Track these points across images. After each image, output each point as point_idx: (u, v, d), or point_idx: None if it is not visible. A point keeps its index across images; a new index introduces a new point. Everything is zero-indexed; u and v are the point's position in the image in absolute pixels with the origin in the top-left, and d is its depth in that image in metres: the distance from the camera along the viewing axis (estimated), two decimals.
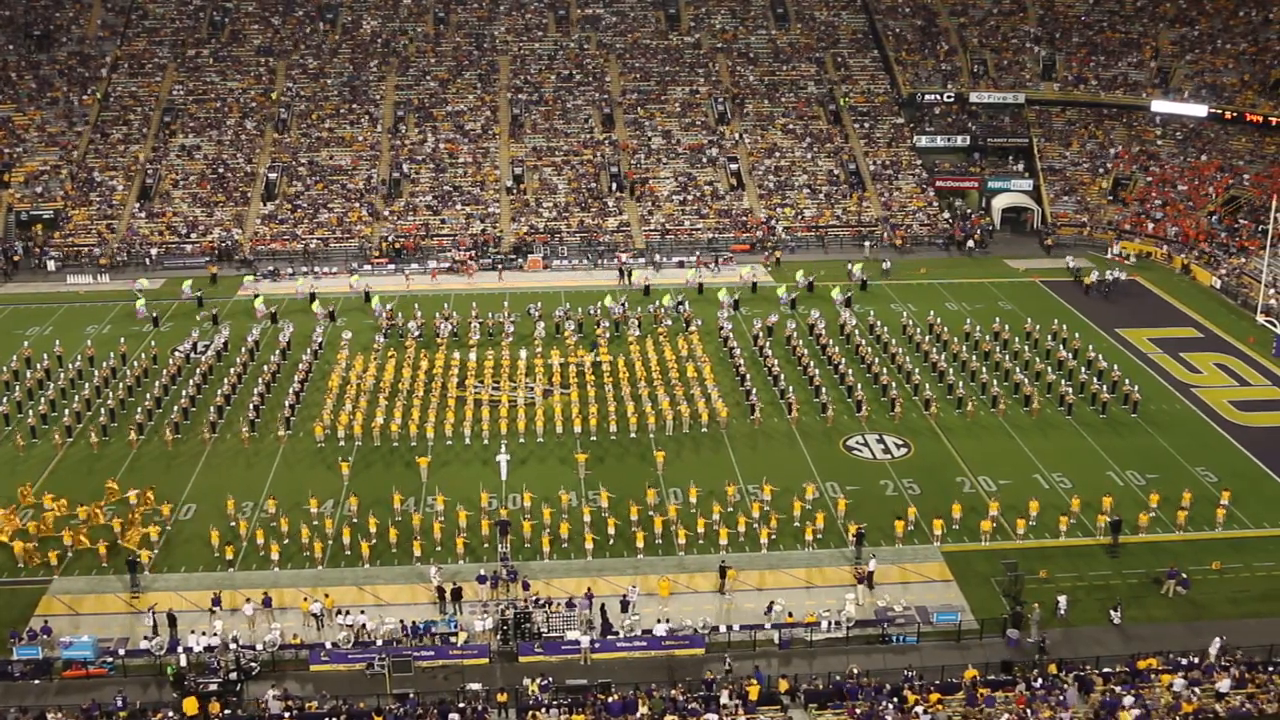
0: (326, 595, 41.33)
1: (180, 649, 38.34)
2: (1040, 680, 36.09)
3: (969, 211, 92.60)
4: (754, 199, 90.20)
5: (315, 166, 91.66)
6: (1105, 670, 36.84)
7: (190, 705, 35.31)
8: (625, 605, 40.89)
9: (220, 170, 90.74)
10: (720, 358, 63.27)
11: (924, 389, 57.77)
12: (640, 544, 44.70)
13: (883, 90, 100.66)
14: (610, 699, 35.37)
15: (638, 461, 51.79)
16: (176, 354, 62.75)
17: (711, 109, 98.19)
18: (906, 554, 44.43)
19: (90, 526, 45.72)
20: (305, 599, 40.84)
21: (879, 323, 66.97)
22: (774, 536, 45.16)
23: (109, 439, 54.19)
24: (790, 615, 40.21)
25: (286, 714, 35.12)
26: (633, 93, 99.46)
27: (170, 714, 35.19)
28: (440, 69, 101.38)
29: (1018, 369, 60.33)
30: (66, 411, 56.00)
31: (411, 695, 35.93)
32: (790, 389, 57.92)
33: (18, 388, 59.26)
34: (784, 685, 36.46)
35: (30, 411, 56.49)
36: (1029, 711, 34.24)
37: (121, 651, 39.02)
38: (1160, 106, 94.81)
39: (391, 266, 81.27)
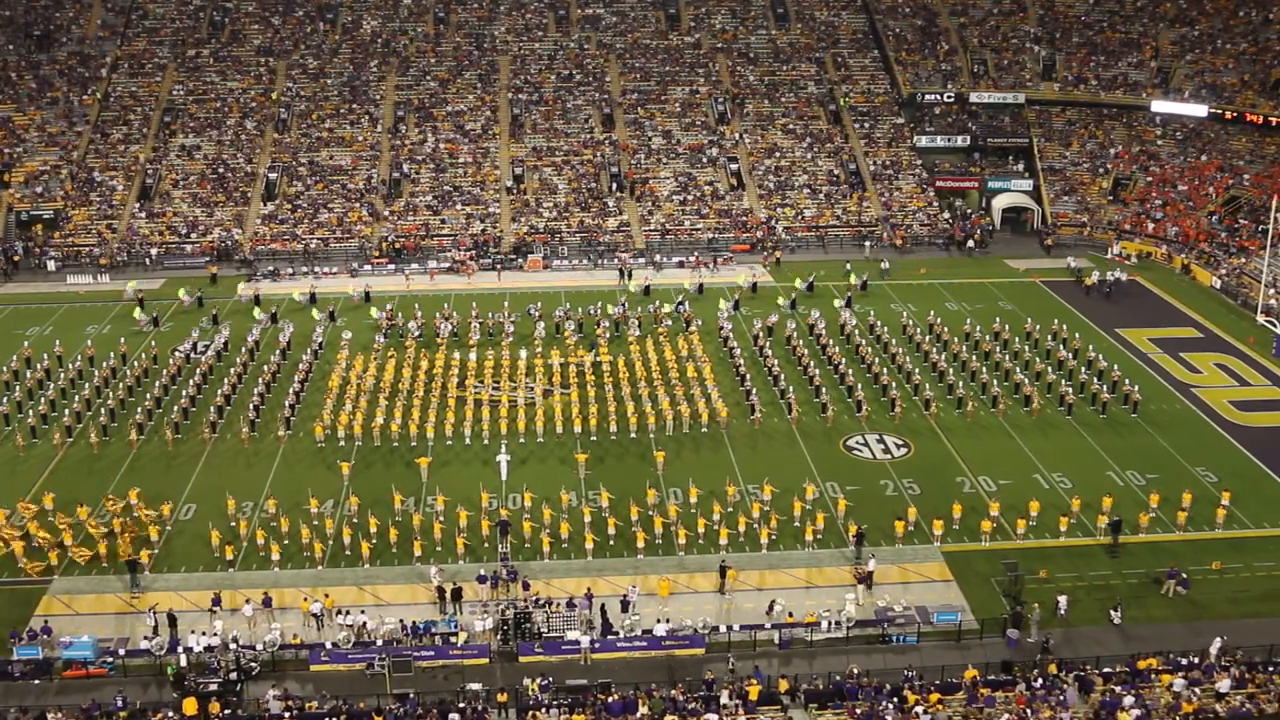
0: (327, 595, 41.34)
1: (180, 649, 38.34)
2: (1040, 680, 36.09)
3: (969, 211, 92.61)
4: (754, 199, 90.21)
5: (315, 166, 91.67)
6: (1105, 670, 36.85)
7: (190, 705, 35.32)
8: (625, 605, 40.90)
9: (220, 170, 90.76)
10: (720, 358, 63.27)
11: (924, 389, 57.77)
12: (640, 544, 44.70)
13: (883, 90, 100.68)
14: (610, 699, 35.38)
15: (638, 461, 51.79)
16: (176, 354, 62.76)
17: (711, 109, 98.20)
18: (906, 554, 44.44)
19: (89, 533, 45.69)
20: (305, 599, 40.84)
21: (879, 323, 66.97)
22: (774, 536, 45.17)
23: (109, 439, 54.20)
24: (790, 615, 40.21)
25: (286, 714, 35.12)
26: (633, 93, 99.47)
27: (170, 714, 35.19)
28: (440, 69, 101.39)
29: (1018, 369, 60.33)
30: (67, 411, 56.01)
31: (412, 695, 35.94)
32: (790, 389, 57.92)
33: (18, 388, 59.26)
34: (784, 685, 36.47)
35: (30, 411, 56.49)
36: (1029, 711, 34.25)
37: (121, 651, 39.02)
38: (1160, 106, 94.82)
39: (391, 266, 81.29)
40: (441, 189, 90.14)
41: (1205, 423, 56.09)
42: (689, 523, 45.72)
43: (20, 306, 73.98)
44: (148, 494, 48.29)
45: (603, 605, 40.56)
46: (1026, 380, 58.56)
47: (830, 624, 39.80)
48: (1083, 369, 60.84)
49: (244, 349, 63.41)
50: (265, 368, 61.01)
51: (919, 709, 34.40)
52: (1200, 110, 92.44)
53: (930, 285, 76.75)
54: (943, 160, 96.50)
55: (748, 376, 59.17)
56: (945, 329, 65.80)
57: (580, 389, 58.77)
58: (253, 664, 38.08)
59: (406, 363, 61.86)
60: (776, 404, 57.57)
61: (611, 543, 45.14)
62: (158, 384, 58.87)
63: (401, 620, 40.06)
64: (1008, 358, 62.17)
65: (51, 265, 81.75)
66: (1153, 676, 36.17)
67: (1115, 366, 60.64)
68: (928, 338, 64.94)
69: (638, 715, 34.88)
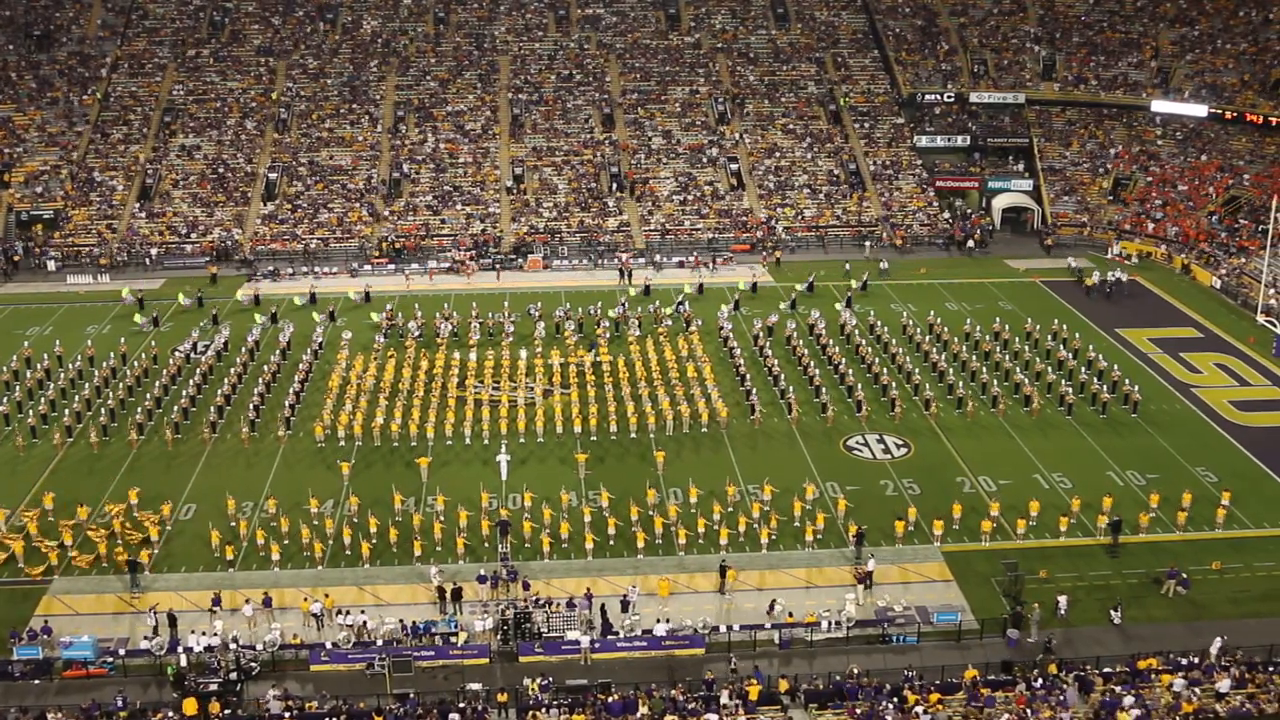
0: (327, 595, 41.34)
1: (180, 649, 38.34)
2: (1040, 680, 36.09)
3: (969, 211, 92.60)
4: (754, 199, 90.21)
5: (315, 166, 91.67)
6: (1105, 670, 36.85)
7: (190, 706, 35.32)
8: (625, 605, 40.90)
9: (220, 170, 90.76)
10: (720, 358, 63.27)
11: (924, 389, 57.77)
12: (640, 544, 44.70)
13: (883, 90, 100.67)
14: (610, 699, 35.37)
15: (638, 461, 51.79)
16: (176, 354, 62.76)
17: (712, 109, 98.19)
18: (907, 554, 44.44)
19: (88, 538, 45.70)
20: (305, 599, 40.84)
21: (879, 323, 66.97)
22: (774, 536, 45.17)
23: (109, 439, 54.20)
24: (790, 615, 40.21)
25: (287, 714, 35.12)
26: (633, 93, 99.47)
27: (170, 714, 35.19)
28: (440, 69, 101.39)
29: (1018, 369, 60.33)
30: (67, 411, 56.00)
31: (412, 695, 35.94)
32: (790, 389, 57.92)
33: (18, 388, 59.26)
34: (784, 685, 36.47)
35: (30, 411, 56.48)
36: (1029, 711, 34.25)
37: (121, 651, 39.02)
38: (1160, 106, 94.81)
39: (391, 266, 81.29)
40: (441, 189, 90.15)
41: (1205, 423, 56.09)
42: (689, 523, 45.72)
43: (20, 306, 73.98)
44: (148, 494, 48.30)
45: (603, 605, 40.56)
46: (1026, 380, 58.55)
47: (830, 624, 39.80)
48: (1083, 369, 60.84)
49: (244, 349, 63.41)
50: (265, 368, 61.01)
51: (919, 709, 34.40)
52: (1200, 110, 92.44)
53: (930, 285, 76.75)
54: (943, 160, 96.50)
55: (748, 376, 59.17)
56: (945, 329, 65.79)
57: (580, 389, 58.76)
58: (253, 664, 38.08)
59: (406, 363, 61.86)
60: (776, 404, 57.57)
61: (611, 543, 45.14)
62: (158, 384, 58.86)
63: (401, 620, 40.06)
64: (1008, 358, 62.16)
65: (51, 265, 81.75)
66: (1153, 676, 36.17)
67: (1115, 366, 60.64)
68: (928, 338, 64.93)
69: (638, 715, 34.88)
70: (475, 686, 36.81)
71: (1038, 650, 38.60)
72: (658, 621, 39.84)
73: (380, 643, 39.10)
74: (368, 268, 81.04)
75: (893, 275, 78.28)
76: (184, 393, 57.77)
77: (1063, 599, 40.81)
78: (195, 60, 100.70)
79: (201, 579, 43.24)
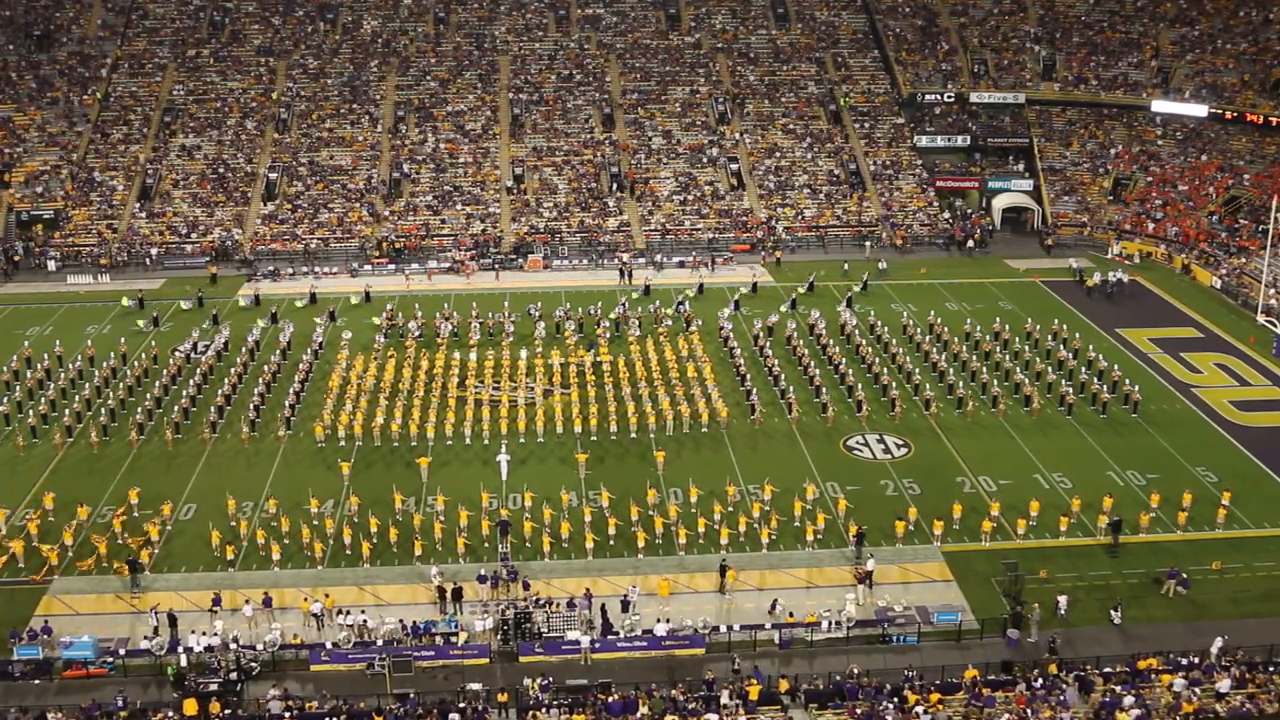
0: (327, 595, 41.34)
1: (180, 649, 38.33)
2: (1040, 680, 36.09)
3: (969, 211, 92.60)
4: (754, 199, 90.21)
5: (315, 166, 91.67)
6: (1105, 670, 36.86)
7: (190, 706, 35.32)
8: (625, 605, 40.89)
9: (220, 170, 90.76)
10: (720, 358, 63.27)
11: (924, 389, 57.77)
12: (640, 544, 44.69)
13: (883, 90, 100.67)
14: (610, 699, 35.38)
15: (638, 461, 51.78)
16: (177, 354, 62.76)
17: (712, 109, 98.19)
18: (907, 554, 44.43)
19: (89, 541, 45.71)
20: (305, 599, 40.84)
21: (879, 323, 66.97)
22: (774, 536, 45.16)
23: (109, 439, 54.19)
24: (791, 615, 40.21)
25: (287, 714, 35.12)
26: (633, 93, 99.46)
27: (170, 714, 35.19)
28: (440, 69, 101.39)
29: (1018, 369, 60.33)
30: (67, 411, 56.00)
31: (412, 695, 35.94)
32: (790, 389, 57.92)
33: (18, 388, 59.25)
34: (784, 685, 36.46)
35: (30, 411, 56.47)
36: (1029, 711, 34.24)
37: (122, 651, 39.02)
38: (1160, 106, 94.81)
39: (391, 266, 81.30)
40: (441, 189, 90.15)
41: (1205, 423, 56.08)
42: (689, 523, 45.73)
43: (20, 306, 73.97)
44: (148, 494, 48.31)
45: (603, 605, 40.56)
46: (1027, 380, 58.55)
47: (830, 624, 39.79)
48: (1083, 369, 60.83)
49: (244, 349, 63.41)
50: (265, 368, 61.01)
51: (919, 709, 34.40)
52: (1200, 110, 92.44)
53: (930, 285, 76.75)
54: (943, 160, 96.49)
55: (748, 376, 59.16)
56: (945, 329, 65.79)
57: (580, 389, 58.76)
58: (253, 664, 38.08)
59: (407, 363, 61.86)
60: (777, 404, 57.57)
61: (612, 543, 45.14)
62: (158, 384, 58.86)
63: (401, 620, 40.06)
64: (1008, 358, 62.16)
65: (52, 265, 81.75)
66: (1153, 676, 36.17)
67: (1115, 366, 60.65)
68: (928, 338, 64.93)
69: (638, 715, 34.88)
70: (475, 686, 36.80)
71: (1038, 650, 38.59)
72: (658, 621, 39.83)
73: (380, 643, 39.10)
74: (368, 268, 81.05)
75: (893, 275, 78.28)
76: (184, 393, 57.77)
77: (1063, 599, 40.81)
78: (195, 60, 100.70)
79: (202, 579, 43.23)
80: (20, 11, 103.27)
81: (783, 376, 59.16)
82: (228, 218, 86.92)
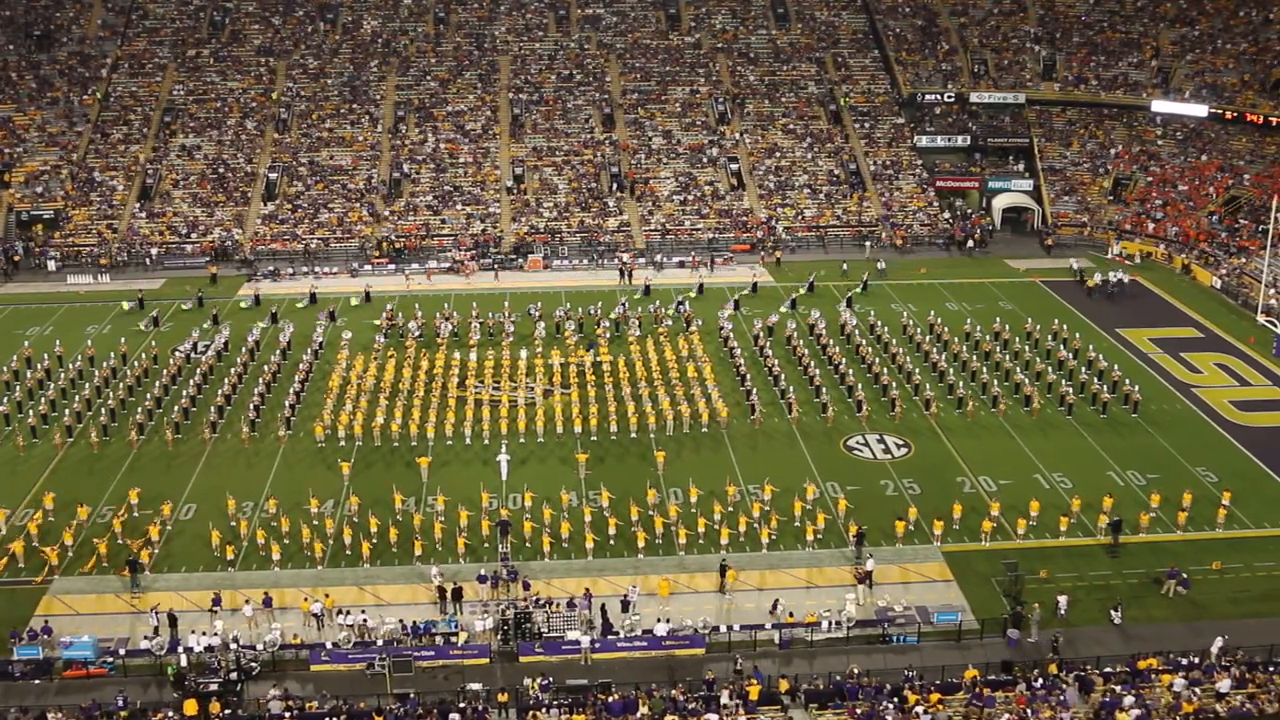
0: (327, 595, 41.33)
1: (181, 649, 38.33)
2: (1040, 680, 36.09)
3: (969, 211, 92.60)
4: (754, 199, 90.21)
5: (315, 166, 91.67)
6: (1105, 670, 36.85)
7: (191, 706, 35.32)
8: (625, 605, 40.89)
9: (220, 170, 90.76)
10: (720, 358, 63.26)
11: (924, 389, 57.77)
12: (640, 544, 44.69)
13: (883, 90, 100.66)
14: (611, 699, 35.38)
15: (638, 461, 51.78)
16: (177, 354, 62.76)
17: (712, 109, 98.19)
18: (907, 554, 44.43)
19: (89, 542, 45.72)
20: (306, 599, 40.84)
21: (879, 323, 66.97)
22: (774, 536, 45.16)
23: (109, 439, 54.19)
24: (791, 615, 40.21)
25: (287, 714, 35.12)
26: (633, 93, 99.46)
27: (170, 714, 35.19)
28: (440, 69, 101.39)
29: (1018, 369, 60.32)
30: (67, 411, 56.00)
31: (412, 695, 35.94)
32: (790, 389, 57.91)
33: (18, 388, 59.25)
34: (784, 685, 36.46)
35: (30, 411, 56.47)
36: (1029, 711, 34.24)
37: (122, 651, 39.02)
38: (1160, 106, 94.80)
39: (391, 266, 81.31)
40: (442, 189, 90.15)
41: (1206, 423, 56.08)
42: (689, 523, 45.73)
43: (20, 306, 73.97)
44: (148, 494, 48.33)
45: (603, 605, 40.55)
46: (1027, 380, 58.55)
47: (830, 624, 39.79)
48: (1083, 369, 60.83)
49: (244, 349, 63.41)
50: (265, 368, 61.01)
51: (919, 709, 34.40)
52: (1200, 110, 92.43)
53: (930, 285, 76.75)
54: (943, 160, 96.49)
55: (748, 376, 59.16)
56: (945, 329, 65.79)
57: (580, 389, 58.76)
58: (253, 664, 38.07)
59: (407, 363, 61.86)
60: (777, 404, 57.57)
61: (612, 543, 45.13)
62: (158, 384, 58.86)
63: (401, 620, 40.06)
64: (1008, 358, 62.16)
65: (52, 265, 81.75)
66: (1153, 676, 36.17)
67: (1115, 366, 60.65)
68: (928, 338, 64.93)
69: (638, 715, 34.88)
70: (475, 686, 36.80)
71: (1038, 650, 38.59)
72: (658, 621, 39.83)
73: (380, 643, 39.09)
74: (368, 268, 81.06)
75: (893, 275, 78.25)
76: (184, 393, 57.77)
77: (1063, 599, 40.81)
78: (195, 60, 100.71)
79: (202, 579, 43.23)
80: (20, 11, 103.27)
81: (783, 376, 59.16)
82: (228, 218, 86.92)
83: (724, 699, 35.33)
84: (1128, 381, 58.59)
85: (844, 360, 61.44)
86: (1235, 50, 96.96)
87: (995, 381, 58.85)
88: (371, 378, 59.62)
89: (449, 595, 41.07)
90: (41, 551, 43.88)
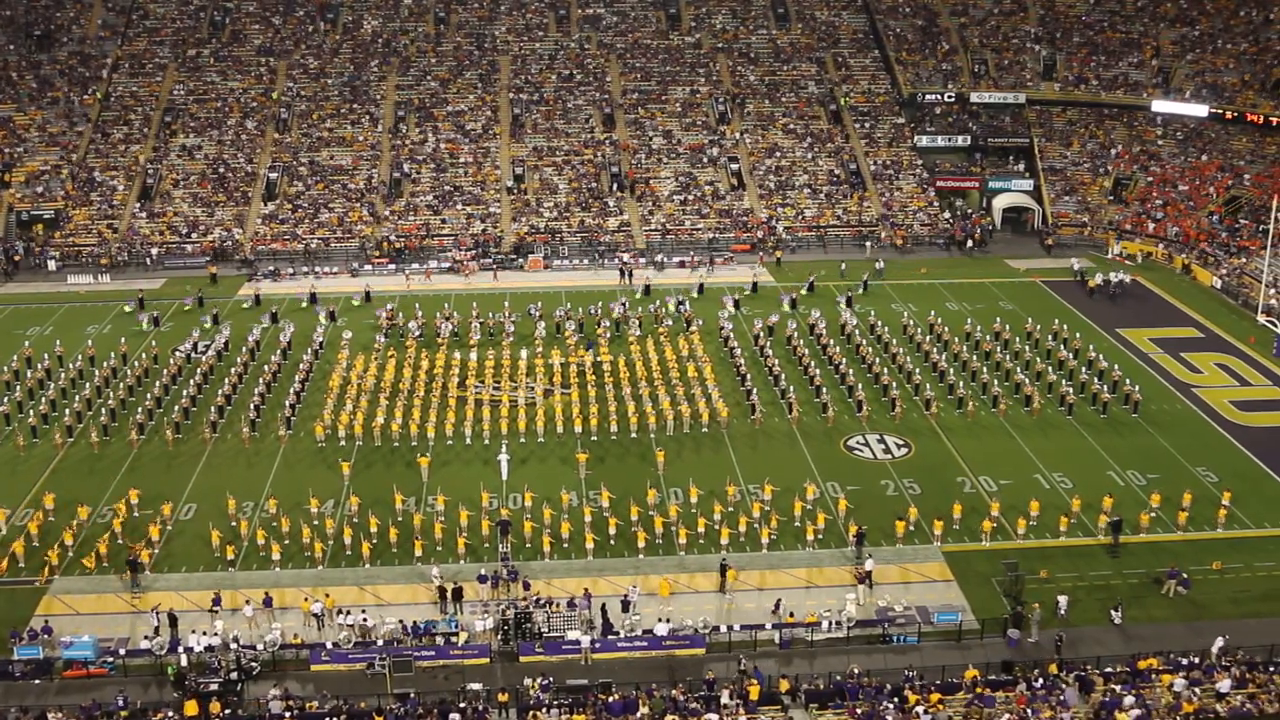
0: (327, 595, 41.33)
1: (181, 649, 38.34)
2: (1040, 680, 36.09)
3: (969, 211, 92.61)
4: (754, 199, 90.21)
5: (316, 166, 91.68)
6: (1106, 670, 36.85)
7: (191, 707, 35.32)
8: (626, 605, 40.89)
9: (221, 170, 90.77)
10: (721, 358, 63.26)
11: (925, 389, 57.76)
12: (641, 544, 44.68)
13: (883, 90, 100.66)
14: (611, 699, 35.38)
15: (638, 461, 51.78)
16: (177, 354, 62.77)
17: (712, 109, 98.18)
18: (907, 554, 44.43)
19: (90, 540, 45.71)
20: (306, 599, 40.84)
21: (879, 323, 66.97)
22: (774, 536, 45.16)
23: (109, 439, 54.20)
24: (791, 615, 40.21)
25: (287, 714, 35.12)
26: (633, 93, 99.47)
27: (171, 714, 35.19)
28: (441, 69, 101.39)
29: (1018, 369, 60.32)
30: (67, 411, 56.00)
31: (412, 695, 35.94)
32: (791, 389, 57.91)
33: (18, 388, 59.26)
34: (784, 685, 36.46)
35: (31, 411, 56.48)
36: (1029, 711, 34.24)
37: (122, 651, 39.03)
38: (1161, 106, 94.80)
39: (392, 266, 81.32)
40: (442, 189, 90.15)
41: (1206, 423, 56.08)
42: (689, 522, 45.74)
43: (20, 306, 73.99)
44: (148, 494, 48.33)
45: (603, 605, 40.55)
46: (1027, 380, 58.55)
47: (831, 624, 39.79)
48: (1083, 369, 60.82)
49: (244, 349, 63.41)
50: (266, 368, 61.02)
51: (919, 709, 34.40)
52: (1201, 110, 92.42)
53: (931, 285, 76.75)
54: (943, 160, 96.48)
55: (748, 376, 59.16)
56: (946, 329, 65.79)
57: (581, 389, 58.76)
58: (253, 664, 38.08)
59: (407, 363, 61.87)
60: (777, 404, 57.57)
61: (612, 542, 45.14)
62: (158, 384, 58.88)
63: (402, 620, 40.06)
64: (1008, 358, 62.16)
65: (52, 265, 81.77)
66: (1153, 676, 36.17)
67: (1116, 366, 60.64)
68: (928, 338, 64.93)
69: (638, 715, 34.87)
70: (476, 686, 36.81)
71: (1038, 650, 38.58)
72: (659, 621, 39.82)
73: (380, 643, 39.10)
74: (368, 268, 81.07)
75: (894, 275, 78.23)
76: (184, 393, 57.77)
77: (1063, 599, 40.81)
78: (196, 60, 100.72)
79: (202, 579, 43.23)
80: (20, 11, 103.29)
81: (783, 376, 59.16)
82: (228, 218, 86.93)
83: (724, 699, 35.33)
84: (1128, 381, 58.59)
85: (844, 360, 61.44)
86: (1235, 50, 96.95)
87: (995, 381, 58.85)
88: (372, 378, 59.63)
89: (449, 595, 41.06)
90: (44, 554, 43.90)
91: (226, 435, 54.84)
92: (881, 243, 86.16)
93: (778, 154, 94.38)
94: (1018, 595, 39.78)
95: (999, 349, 63.49)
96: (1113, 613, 40.42)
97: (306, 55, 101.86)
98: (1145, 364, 62.94)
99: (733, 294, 72.65)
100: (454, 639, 39.46)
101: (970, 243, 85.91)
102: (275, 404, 57.37)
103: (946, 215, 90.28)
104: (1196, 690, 35.12)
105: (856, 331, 65.93)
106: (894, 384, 58.24)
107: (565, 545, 44.98)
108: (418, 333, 66.00)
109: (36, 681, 37.95)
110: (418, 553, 44.12)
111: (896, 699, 35.17)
